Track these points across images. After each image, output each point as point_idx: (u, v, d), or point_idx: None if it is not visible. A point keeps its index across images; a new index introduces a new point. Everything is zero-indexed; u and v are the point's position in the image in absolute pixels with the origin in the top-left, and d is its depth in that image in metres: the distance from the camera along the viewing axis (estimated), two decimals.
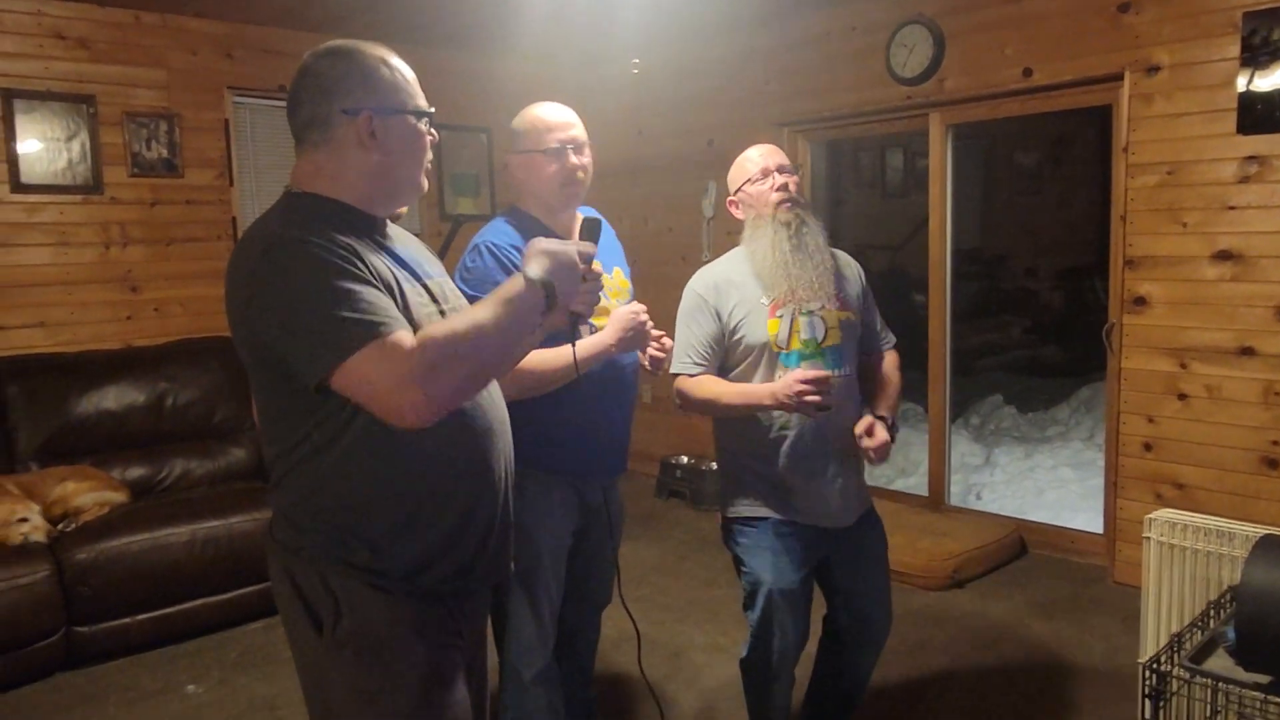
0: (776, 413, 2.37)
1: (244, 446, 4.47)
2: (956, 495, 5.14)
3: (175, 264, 4.70)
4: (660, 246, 5.81)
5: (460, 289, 2.17)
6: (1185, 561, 2.67)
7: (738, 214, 2.56)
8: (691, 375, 2.44)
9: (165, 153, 4.63)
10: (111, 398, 4.18)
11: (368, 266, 1.44)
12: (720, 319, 2.43)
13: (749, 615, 2.45)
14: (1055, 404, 7.02)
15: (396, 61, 1.58)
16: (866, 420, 2.40)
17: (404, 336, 1.37)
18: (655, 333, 2.26)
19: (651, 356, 2.31)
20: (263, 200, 4.98)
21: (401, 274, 1.54)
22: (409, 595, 1.56)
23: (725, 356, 2.46)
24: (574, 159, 2.31)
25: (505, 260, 2.23)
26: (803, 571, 2.44)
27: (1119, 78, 3.93)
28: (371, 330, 1.35)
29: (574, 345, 1.86)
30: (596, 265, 1.80)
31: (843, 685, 2.66)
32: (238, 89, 4.86)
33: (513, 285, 1.45)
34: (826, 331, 2.42)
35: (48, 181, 4.33)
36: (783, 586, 2.39)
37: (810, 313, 2.41)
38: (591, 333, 2.21)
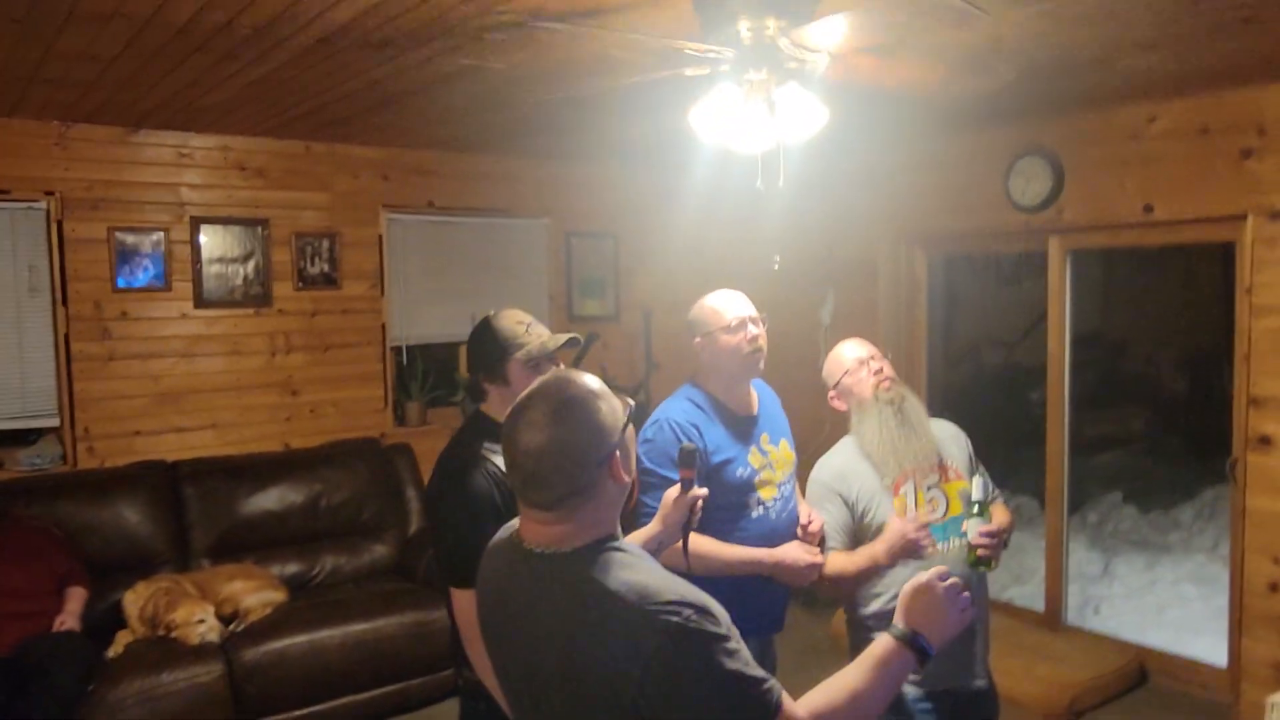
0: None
1: (386, 544, 4.82)
2: (1074, 608, 5.10)
3: (330, 368, 5.12)
4: (774, 349, 5.93)
5: (640, 457, 2.40)
6: None
7: (840, 405, 2.70)
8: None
9: (326, 267, 5.07)
10: (274, 498, 4.58)
11: None
12: (848, 504, 2.56)
13: None
14: (1177, 502, 6.88)
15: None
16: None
17: (792, 704, 1.41)
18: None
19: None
20: (408, 307, 5.35)
21: None
22: None
23: (858, 540, 2.55)
24: (753, 329, 2.56)
25: (683, 437, 2.45)
26: None
27: (1242, 218, 3.95)
28: (772, 704, 1.38)
29: (685, 541, 2.03)
30: (701, 491, 2.02)
31: None
32: (391, 206, 5.28)
33: (883, 647, 1.54)
34: (948, 504, 2.55)
35: (225, 297, 4.80)
36: None
37: (930, 487, 2.55)
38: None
